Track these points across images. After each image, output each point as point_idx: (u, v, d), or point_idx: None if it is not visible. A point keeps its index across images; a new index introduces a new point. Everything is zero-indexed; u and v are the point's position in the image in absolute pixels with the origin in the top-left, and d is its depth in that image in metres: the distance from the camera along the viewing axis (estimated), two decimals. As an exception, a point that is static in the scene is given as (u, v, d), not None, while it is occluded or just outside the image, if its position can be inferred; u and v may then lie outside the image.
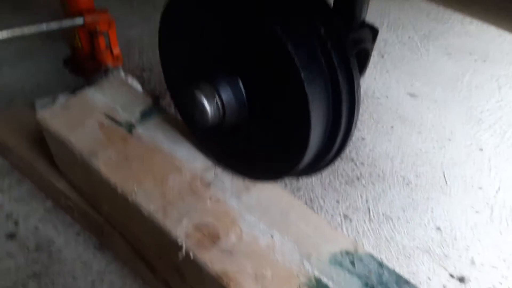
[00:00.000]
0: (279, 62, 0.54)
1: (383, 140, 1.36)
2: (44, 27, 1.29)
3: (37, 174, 1.00)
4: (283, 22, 0.54)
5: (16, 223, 1.01)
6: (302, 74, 0.52)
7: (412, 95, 1.54)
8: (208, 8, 0.61)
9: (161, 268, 0.80)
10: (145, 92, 1.22)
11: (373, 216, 1.14)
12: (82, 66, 1.50)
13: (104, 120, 0.83)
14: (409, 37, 1.84)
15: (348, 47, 0.58)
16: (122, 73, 1.36)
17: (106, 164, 0.75)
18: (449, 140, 1.37)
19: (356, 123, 0.63)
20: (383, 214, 1.15)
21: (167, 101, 1.42)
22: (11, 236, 0.99)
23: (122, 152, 0.77)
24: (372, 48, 0.77)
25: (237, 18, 0.57)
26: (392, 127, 1.41)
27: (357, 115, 0.62)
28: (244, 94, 0.61)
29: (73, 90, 1.39)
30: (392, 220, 1.14)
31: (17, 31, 1.25)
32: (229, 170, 0.76)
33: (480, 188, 1.22)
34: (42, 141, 0.98)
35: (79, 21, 1.34)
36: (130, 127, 0.82)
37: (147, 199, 0.71)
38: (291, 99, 0.56)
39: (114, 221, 0.84)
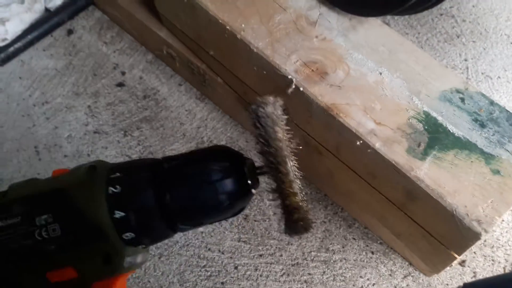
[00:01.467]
0: None
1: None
2: None
3: (138, 24, 1.04)
4: None
5: (123, 73, 1.09)
6: None
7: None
8: None
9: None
10: None
11: (471, 76, 1.10)
12: None
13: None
14: None
15: None
16: None
17: (212, 2, 0.75)
18: None
19: None
20: (482, 73, 1.10)
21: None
22: (121, 84, 1.07)
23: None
24: None
25: None
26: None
27: None
28: None
29: None
30: (491, 79, 1.09)
31: None
32: (335, 6, 0.74)
33: None
34: None
35: None
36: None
37: (255, 36, 0.72)
38: None
39: (218, 67, 0.87)
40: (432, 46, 1.14)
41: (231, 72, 0.84)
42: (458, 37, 1.16)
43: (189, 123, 1.02)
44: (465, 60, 1.12)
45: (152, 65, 1.10)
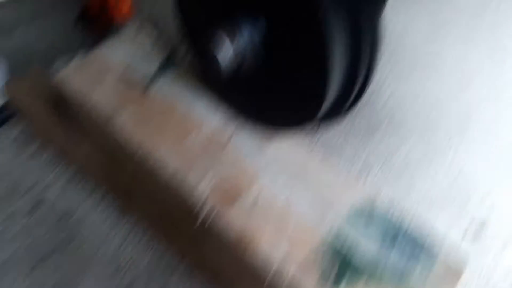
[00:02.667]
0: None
1: (402, 83, 1.33)
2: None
3: (59, 139, 1.01)
4: None
5: (43, 190, 1.04)
6: (322, 13, 0.50)
7: (432, 32, 1.48)
8: None
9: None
10: (158, 46, 1.21)
11: (394, 163, 1.14)
12: (94, 23, 1.48)
13: (120, 79, 0.83)
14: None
15: None
16: (134, 28, 1.34)
17: (125, 125, 0.75)
18: (471, 79, 1.33)
19: (376, 64, 0.61)
20: (403, 160, 1.14)
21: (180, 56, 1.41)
22: (38, 203, 1.02)
23: (140, 112, 0.78)
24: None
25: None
26: (412, 67, 1.37)
27: (379, 54, 0.59)
28: (264, 37, 0.59)
29: (88, 48, 1.39)
30: (412, 166, 1.13)
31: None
32: (249, 121, 0.76)
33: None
34: (63, 105, 0.99)
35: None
36: (146, 86, 0.82)
37: (168, 158, 0.72)
38: (310, 38, 0.54)
39: (136, 184, 0.86)
40: (354, 135, 1.19)
41: (148, 191, 0.82)
42: (377, 125, 1.21)
43: (108, 243, 0.96)
44: (387, 147, 1.17)
45: (74, 179, 1.05)
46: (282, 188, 0.70)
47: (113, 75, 0.83)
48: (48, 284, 0.90)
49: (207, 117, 0.78)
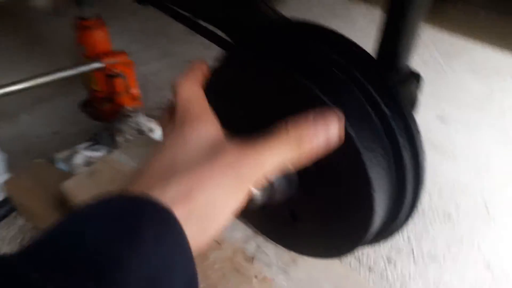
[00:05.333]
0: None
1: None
2: (63, 74, 1.27)
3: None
4: (337, 97, 0.48)
5: None
6: (364, 156, 0.46)
7: (441, 119, 1.48)
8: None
9: None
10: None
11: (418, 257, 1.08)
12: (100, 109, 1.46)
13: (133, 187, 0.78)
14: (430, 56, 1.77)
15: (405, 109, 0.52)
16: (142, 117, 1.32)
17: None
18: (486, 166, 1.30)
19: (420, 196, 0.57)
20: (427, 254, 1.08)
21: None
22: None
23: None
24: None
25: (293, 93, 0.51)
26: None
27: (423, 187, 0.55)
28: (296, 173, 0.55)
29: (91, 138, 1.36)
30: (437, 260, 1.07)
31: (39, 80, 1.22)
32: (272, 241, 0.70)
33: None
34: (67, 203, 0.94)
35: (97, 65, 1.31)
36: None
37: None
38: (351, 179, 0.50)
39: None
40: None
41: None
42: (397, 217, 1.17)
43: None
44: (409, 241, 1.11)
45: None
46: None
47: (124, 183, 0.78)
48: None
49: (227, 231, 0.72)
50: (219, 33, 0.91)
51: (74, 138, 1.38)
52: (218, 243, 0.70)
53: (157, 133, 1.29)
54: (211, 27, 0.94)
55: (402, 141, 0.51)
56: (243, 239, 0.71)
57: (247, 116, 0.56)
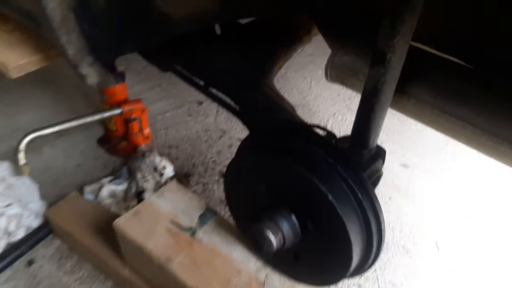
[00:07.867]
0: (324, 208, 0.76)
1: (384, 211, 1.58)
2: (89, 119, 1.50)
3: (100, 261, 1.18)
4: (325, 180, 0.76)
5: (82, 305, 1.18)
6: (344, 219, 0.74)
7: (404, 165, 1.78)
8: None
9: None
10: (176, 170, 1.44)
11: (382, 284, 1.35)
12: (117, 147, 1.70)
13: (170, 226, 1.02)
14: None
15: (369, 188, 0.81)
16: (157, 157, 1.56)
17: (179, 269, 0.94)
18: (439, 208, 1.60)
19: (384, 239, 0.85)
20: (389, 282, 1.36)
21: (195, 179, 1.63)
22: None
23: (190, 256, 0.96)
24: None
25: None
26: (390, 198, 1.64)
27: (384, 233, 0.84)
28: (298, 227, 0.82)
29: (112, 172, 1.59)
30: (397, 287, 1.35)
31: (66, 125, 1.45)
32: (278, 271, 0.96)
33: (470, 255, 1.45)
34: (102, 228, 1.18)
35: (117, 111, 1.55)
36: (192, 232, 1.02)
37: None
38: (336, 236, 0.78)
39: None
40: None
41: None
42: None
43: None
44: (375, 270, 1.39)
45: (112, 296, 1.21)
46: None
47: (164, 224, 1.02)
48: None
49: (243, 262, 0.97)
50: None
51: (95, 170, 1.60)
52: (238, 272, 0.95)
53: (169, 169, 1.52)
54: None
55: (368, 212, 0.79)
56: (256, 269, 0.96)
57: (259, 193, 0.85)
